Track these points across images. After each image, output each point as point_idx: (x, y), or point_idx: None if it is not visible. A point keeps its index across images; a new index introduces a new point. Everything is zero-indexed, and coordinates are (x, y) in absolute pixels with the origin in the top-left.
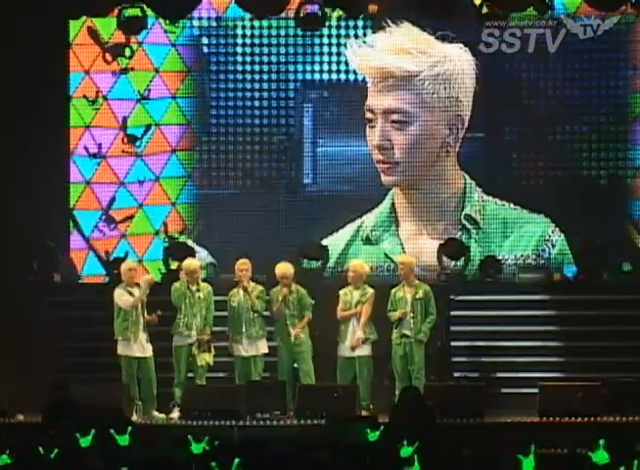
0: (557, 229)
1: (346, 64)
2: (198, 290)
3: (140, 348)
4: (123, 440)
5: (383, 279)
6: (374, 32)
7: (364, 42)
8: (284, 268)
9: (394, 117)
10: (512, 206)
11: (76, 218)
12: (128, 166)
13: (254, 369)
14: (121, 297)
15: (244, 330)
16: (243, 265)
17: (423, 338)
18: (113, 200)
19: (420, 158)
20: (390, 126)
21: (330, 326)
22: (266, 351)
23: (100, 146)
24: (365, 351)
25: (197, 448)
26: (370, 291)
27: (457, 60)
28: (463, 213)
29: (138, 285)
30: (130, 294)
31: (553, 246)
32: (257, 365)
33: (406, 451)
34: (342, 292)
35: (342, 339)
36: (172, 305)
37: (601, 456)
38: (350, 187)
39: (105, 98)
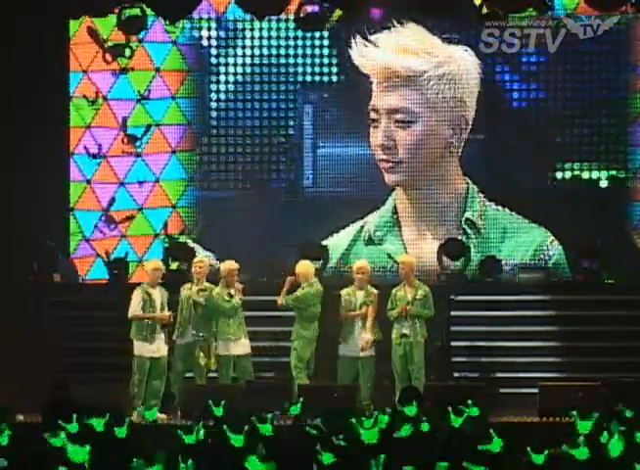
0: (555, 241)
1: (347, 65)
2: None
3: (154, 348)
4: (121, 432)
5: (385, 280)
6: (377, 32)
7: (369, 41)
8: (298, 267)
9: (398, 116)
10: (512, 212)
11: (79, 222)
12: (128, 166)
13: (245, 367)
14: (135, 301)
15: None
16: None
17: (414, 310)
18: (112, 201)
19: (423, 157)
20: (394, 126)
21: (329, 326)
22: (249, 351)
23: (100, 146)
24: (369, 351)
25: (189, 439)
26: (374, 291)
27: (462, 61)
28: (464, 217)
29: (161, 286)
30: (149, 296)
31: (549, 257)
32: (243, 363)
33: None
34: (343, 292)
35: (344, 339)
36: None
37: (582, 452)
38: (350, 188)
39: (105, 98)
